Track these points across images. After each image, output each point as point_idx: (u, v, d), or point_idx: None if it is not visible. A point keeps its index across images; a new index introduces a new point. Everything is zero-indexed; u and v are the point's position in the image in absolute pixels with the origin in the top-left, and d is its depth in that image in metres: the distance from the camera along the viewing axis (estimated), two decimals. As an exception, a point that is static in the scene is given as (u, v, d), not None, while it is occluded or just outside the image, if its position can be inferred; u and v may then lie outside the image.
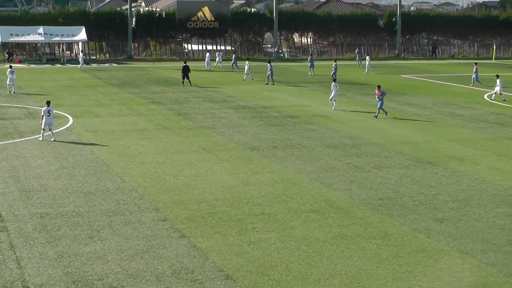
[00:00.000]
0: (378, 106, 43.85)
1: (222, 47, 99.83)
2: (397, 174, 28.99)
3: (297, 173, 29.00)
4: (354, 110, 47.10)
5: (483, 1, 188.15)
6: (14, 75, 54.95)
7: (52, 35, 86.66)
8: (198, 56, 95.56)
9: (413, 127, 40.79)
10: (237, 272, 18.04)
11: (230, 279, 17.54)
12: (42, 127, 35.40)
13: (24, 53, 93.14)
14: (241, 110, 46.85)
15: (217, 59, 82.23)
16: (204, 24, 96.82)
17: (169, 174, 28.52)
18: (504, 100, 52.98)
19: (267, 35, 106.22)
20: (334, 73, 65.21)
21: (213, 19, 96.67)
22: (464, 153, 33.53)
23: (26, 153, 32.35)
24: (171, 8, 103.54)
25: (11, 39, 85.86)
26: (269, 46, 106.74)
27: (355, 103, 50.83)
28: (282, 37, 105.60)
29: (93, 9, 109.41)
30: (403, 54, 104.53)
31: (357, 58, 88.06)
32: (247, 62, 68.26)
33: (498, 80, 53.43)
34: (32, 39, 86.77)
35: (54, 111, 36.63)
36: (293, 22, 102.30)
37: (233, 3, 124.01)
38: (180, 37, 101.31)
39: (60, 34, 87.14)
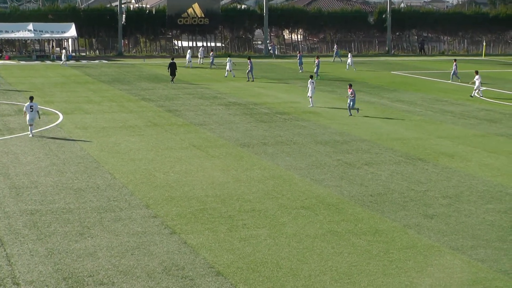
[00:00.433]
0: (351, 106, 43.22)
1: (213, 44, 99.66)
2: (387, 171, 29.04)
3: (288, 170, 29.02)
4: (345, 107, 47.10)
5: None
6: None
7: (42, 31, 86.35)
8: (205, 54, 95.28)
9: (404, 124, 40.85)
10: (228, 268, 18.05)
11: (221, 276, 17.55)
12: (28, 123, 35.49)
13: (14, 50, 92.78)
14: (232, 106, 46.83)
15: (199, 55, 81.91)
16: (194, 21, 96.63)
17: (159, 171, 28.50)
18: (481, 96, 52.98)
19: (258, 31, 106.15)
20: (317, 70, 65.23)
21: (203, 15, 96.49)
22: (454, 150, 33.61)
23: (16, 149, 32.27)
24: (161, 4, 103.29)
25: (1, 36, 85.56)
26: (259, 42, 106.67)
27: (346, 100, 50.78)
28: (272, 34, 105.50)
29: (83, 6, 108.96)
30: (393, 51, 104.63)
31: (334, 55, 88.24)
32: (228, 58, 68.14)
33: (477, 76, 53.40)
34: (21, 35, 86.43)
35: (39, 106, 36.67)
36: (283, 18, 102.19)
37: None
38: (170, 33, 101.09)
39: (50, 31, 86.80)
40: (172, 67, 60.83)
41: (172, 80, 60.65)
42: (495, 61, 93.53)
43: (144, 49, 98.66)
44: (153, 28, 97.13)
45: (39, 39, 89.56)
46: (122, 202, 23.93)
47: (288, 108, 46.08)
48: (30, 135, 35.39)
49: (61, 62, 77.54)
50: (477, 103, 50.39)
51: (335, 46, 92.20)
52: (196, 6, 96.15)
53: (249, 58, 65.62)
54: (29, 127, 35.55)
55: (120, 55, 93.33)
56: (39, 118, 36.35)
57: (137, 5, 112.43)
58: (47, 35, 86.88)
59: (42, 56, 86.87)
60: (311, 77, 48.52)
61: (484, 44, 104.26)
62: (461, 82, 62.80)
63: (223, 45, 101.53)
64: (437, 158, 31.73)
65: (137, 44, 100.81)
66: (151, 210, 23.12)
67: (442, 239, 20.59)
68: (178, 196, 24.80)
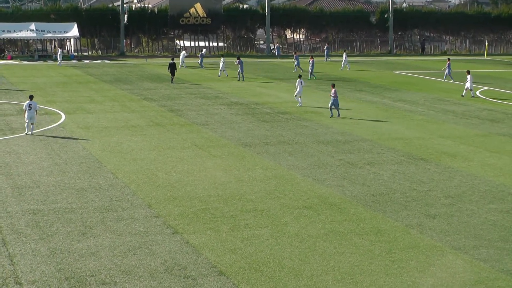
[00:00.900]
0: (333, 107, 42.45)
1: (215, 44, 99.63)
2: (389, 170, 29.03)
3: (290, 170, 29.02)
4: (347, 106, 47.09)
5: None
6: None
7: (44, 31, 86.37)
8: (191, 53, 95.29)
9: (406, 124, 40.84)
10: (230, 268, 18.05)
11: (223, 275, 17.55)
12: (25, 121, 35.73)
13: (16, 50, 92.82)
14: (234, 106, 46.84)
15: (181, 56, 77.79)
16: (197, 21, 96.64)
17: (161, 171, 28.51)
18: (472, 96, 52.87)
19: (260, 31, 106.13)
20: (311, 69, 65.08)
21: (205, 15, 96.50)
22: (457, 149, 33.60)
23: (19, 149, 32.29)
24: (163, 4, 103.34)
25: (3, 36, 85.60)
26: (262, 42, 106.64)
27: (347, 100, 50.84)
28: (274, 34, 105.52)
29: (85, 6, 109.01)
30: (395, 51, 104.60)
31: (325, 54, 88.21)
32: (222, 58, 68.00)
33: (468, 76, 53.25)
34: (24, 35, 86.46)
35: (39, 106, 36.79)
36: (285, 18, 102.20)
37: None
38: (173, 33, 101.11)
39: (52, 31, 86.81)
40: (172, 68, 60.74)
41: (172, 80, 60.48)
42: (498, 60, 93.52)
43: (146, 49, 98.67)
44: (155, 28, 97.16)
45: (41, 39, 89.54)
46: (124, 202, 23.94)
47: (290, 108, 46.06)
48: (30, 134, 35.54)
49: (58, 62, 77.14)
50: (479, 103, 50.36)
51: (326, 46, 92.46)
52: (198, 6, 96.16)
53: (238, 58, 65.66)
54: (26, 124, 35.80)
55: (122, 54, 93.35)
56: (36, 115, 36.41)
57: (139, 4, 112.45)
58: (49, 35, 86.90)
59: (44, 56, 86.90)
60: (300, 76, 48.48)
61: (486, 43, 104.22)
62: (454, 81, 62.92)
63: (225, 45, 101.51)
64: (439, 158, 31.72)
65: (139, 44, 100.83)
66: (153, 209, 23.12)
67: (444, 239, 20.58)
68: (180, 196, 24.80)
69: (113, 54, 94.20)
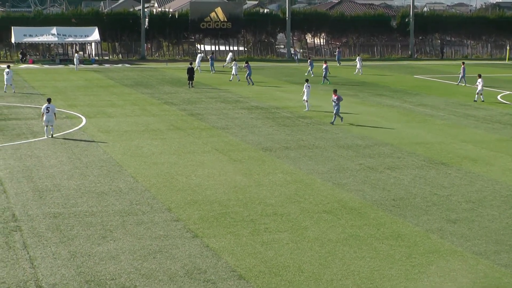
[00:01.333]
0: (334, 112, 41.85)
1: (235, 48, 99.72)
2: (410, 175, 28.94)
3: (310, 174, 28.99)
4: (367, 110, 47.00)
5: (496, 2, 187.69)
6: (10, 75, 55.40)
7: (65, 35, 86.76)
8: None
9: (427, 128, 40.70)
10: (250, 272, 18.05)
11: (243, 279, 17.55)
12: (44, 124, 36.22)
13: (38, 54, 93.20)
14: (254, 110, 46.85)
15: (197, 59, 76.97)
16: (217, 25, 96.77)
17: (182, 175, 28.55)
18: (483, 101, 52.47)
19: (280, 35, 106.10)
20: (325, 74, 64.77)
21: (226, 19, 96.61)
22: (478, 154, 33.44)
23: (40, 153, 32.45)
24: (184, 8, 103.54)
25: (25, 40, 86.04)
26: (282, 46, 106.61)
27: (369, 104, 50.76)
28: (295, 38, 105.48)
29: (106, 10, 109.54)
30: (416, 55, 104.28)
31: (336, 58, 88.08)
32: (234, 62, 67.90)
33: (479, 80, 52.90)
34: (45, 39, 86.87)
35: (56, 109, 37.08)
36: (306, 22, 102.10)
37: (246, 3, 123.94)
38: (193, 37, 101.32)
39: (73, 35, 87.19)
40: (190, 72, 60.63)
41: (191, 85, 60.26)
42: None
43: (167, 53, 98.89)
44: (176, 32, 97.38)
45: (62, 43, 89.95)
46: (144, 206, 23.99)
47: (310, 112, 46.01)
48: (50, 137, 35.81)
49: (75, 66, 77.32)
50: (500, 107, 50.11)
51: (337, 50, 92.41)
52: (219, 10, 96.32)
53: (246, 62, 65.63)
54: (45, 128, 36.16)
55: (143, 59, 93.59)
56: (55, 119, 36.61)
57: (160, 9, 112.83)
58: (70, 39, 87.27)
59: (66, 60, 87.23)
60: (307, 81, 48.34)
61: (508, 48, 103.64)
62: (466, 85, 62.79)
63: (245, 49, 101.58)
64: (460, 162, 31.58)
65: (159, 48, 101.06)
66: (173, 213, 23.16)
67: (465, 244, 20.48)
68: (200, 200, 24.83)
69: (134, 58, 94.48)
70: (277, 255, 19.30)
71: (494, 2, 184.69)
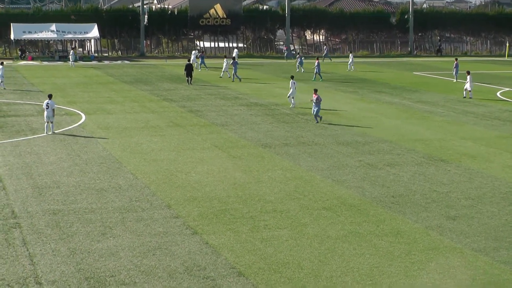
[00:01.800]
0: (314, 114, 40.96)
1: (234, 44, 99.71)
2: (409, 172, 28.94)
3: (309, 171, 28.99)
4: (367, 107, 47.02)
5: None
6: (1, 72, 55.36)
7: (65, 32, 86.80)
8: (210, 54, 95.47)
9: (426, 125, 40.70)
10: (249, 269, 18.05)
11: (243, 276, 17.56)
12: (44, 120, 36.42)
13: (37, 50, 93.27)
14: (253, 107, 46.85)
15: (192, 56, 77.24)
16: (216, 21, 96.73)
17: (181, 171, 28.56)
18: (471, 98, 52.40)
19: (279, 32, 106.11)
20: (318, 70, 64.52)
21: (225, 16, 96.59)
22: (477, 151, 33.44)
23: (39, 150, 32.45)
24: (183, 5, 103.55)
25: (24, 36, 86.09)
26: (281, 43, 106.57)
27: (368, 100, 50.76)
28: (294, 35, 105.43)
29: (105, 7, 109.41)
30: (415, 52, 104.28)
31: (323, 55, 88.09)
32: (225, 59, 67.85)
33: (468, 77, 52.82)
34: (44, 36, 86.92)
35: (56, 105, 37.08)
36: (305, 19, 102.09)
37: (245, 0, 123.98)
38: (192, 34, 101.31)
39: (73, 31, 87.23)
40: (189, 69, 60.48)
41: (189, 81, 60.20)
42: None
43: (166, 49, 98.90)
44: (175, 29, 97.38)
45: (61, 40, 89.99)
46: (144, 203, 24.00)
47: (310, 109, 45.92)
48: (50, 133, 35.83)
49: (70, 62, 77.13)
50: (500, 104, 50.11)
51: (325, 47, 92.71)
52: (218, 6, 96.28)
53: (233, 59, 65.71)
54: (45, 124, 36.24)
55: (142, 55, 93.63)
56: (54, 115, 36.54)
57: (159, 5, 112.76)
58: (69, 35, 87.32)
59: (65, 56, 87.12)
60: (292, 77, 48.29)
61: (507, 44, 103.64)
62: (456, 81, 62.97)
63: (245, 45, 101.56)
64: (460, 159, 31.59)
65: (159, 44, 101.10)
66: (172, 210, 23.17)
67: (464, 240, 20.49)
68: (199, 197, 24.83)
69: (133, 54, 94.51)
70: (276, 252, 19.31)
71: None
